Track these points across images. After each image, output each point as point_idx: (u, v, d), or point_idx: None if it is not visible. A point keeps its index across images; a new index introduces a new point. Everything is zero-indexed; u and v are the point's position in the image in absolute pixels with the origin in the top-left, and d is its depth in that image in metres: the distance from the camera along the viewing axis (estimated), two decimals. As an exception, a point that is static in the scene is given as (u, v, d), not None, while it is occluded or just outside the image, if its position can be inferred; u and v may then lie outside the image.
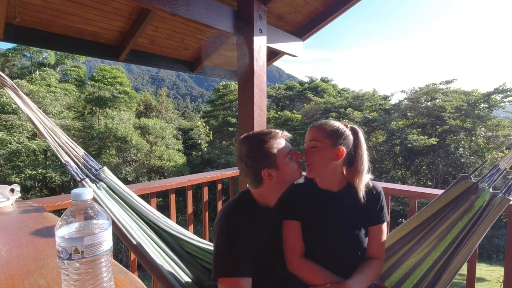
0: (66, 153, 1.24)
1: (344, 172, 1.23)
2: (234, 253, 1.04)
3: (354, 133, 1.21)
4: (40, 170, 13.18)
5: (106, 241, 0.56)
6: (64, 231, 0.54)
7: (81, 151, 1.31)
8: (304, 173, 1.24)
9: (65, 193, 11.12)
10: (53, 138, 1.22)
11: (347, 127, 1.22)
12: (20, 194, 1.29)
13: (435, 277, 1.24)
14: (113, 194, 1.32)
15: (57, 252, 0.53)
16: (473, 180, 1.29)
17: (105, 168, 1.36)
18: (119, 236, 1.24)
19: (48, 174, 13.39)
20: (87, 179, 1.25)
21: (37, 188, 14.13)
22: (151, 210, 1.42)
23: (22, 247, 0.81)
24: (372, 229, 1.22)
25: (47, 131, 1.21)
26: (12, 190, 1.25)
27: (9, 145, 13.20)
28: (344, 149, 1.16)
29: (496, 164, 1.30)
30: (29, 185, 13.55)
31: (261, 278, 1.10)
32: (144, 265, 1.24)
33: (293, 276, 1.18)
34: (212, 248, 1.42)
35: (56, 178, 13.65)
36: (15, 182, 11.42)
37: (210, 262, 1.41)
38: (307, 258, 1.17)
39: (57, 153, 1.21)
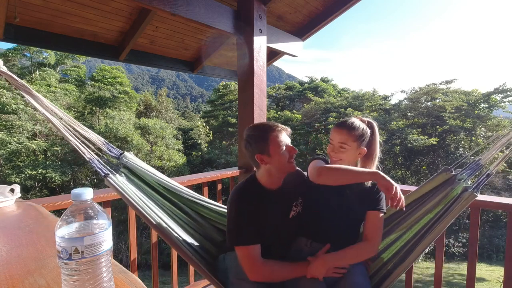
0: (88, 147, 1.23)
1: (359, 162, 1.42)
2: (242, 226, 1.26)
3: (371, 127, 1.38)
4: (40, 170, 13.18)
5: (106, 241, 0.56)
6: (64, 231, 0.54)
7: (100, 140, 1.31)
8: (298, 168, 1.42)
9: (65, 193, 11.13)
10: (74, 135, 1.20)
11: (365, 123, 1.38)
12: (20, 194, 1.29)
13: (405, 253, 1.42)
14: (135, 177, 1.37)
15: (57, 252, 0.53)
16: (453, 173, 1.41)
17: (125, 153, 1.36)
18: (144, 220, 1.29)
19: (48, 174, 13.39)
20: (110, 175, 1.24)
21: (37, 188, 14.12)
22: (170, 181, 1.49)
23: (22, 247, 0.81)
24: (369, 213, 1.35)
25: (68, 129, 1.19)
26: (12, 190, 1.25)
27: (9, 145, 13.20)
28: (366, 148, 1.36)
29: (479, 159, 1.40)
30: (29, 185, 13.55)
31: (262, 251, 1.27)
32: (164, 239, 1.32)
33: (289, 256, 1.39)
34: (222, 210, 1.62)
35: (56, 178, 13.65)
36: (15, 182, 11.42)
37: (221, 223, 1.60)
38: (311, 238, 1.39)
39: (79, 150, 1.19)
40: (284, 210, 1.38)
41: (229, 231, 1.32)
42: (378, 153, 1.39)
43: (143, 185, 1.39)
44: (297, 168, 1.41)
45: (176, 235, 1.37)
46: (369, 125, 1.39)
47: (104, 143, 1.33)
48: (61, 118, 1.20)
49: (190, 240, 1.44)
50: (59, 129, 1.18)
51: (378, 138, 1.40)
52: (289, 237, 1.43)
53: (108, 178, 1.24)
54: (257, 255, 1.25)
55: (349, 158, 1.35)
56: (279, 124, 1.32)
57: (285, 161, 1.29)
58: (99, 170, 1.23)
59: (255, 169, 1.38)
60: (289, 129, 1.35)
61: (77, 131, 1.23)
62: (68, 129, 1.20)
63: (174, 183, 1.52)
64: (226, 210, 1.56)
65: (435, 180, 1.45)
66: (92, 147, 1.26)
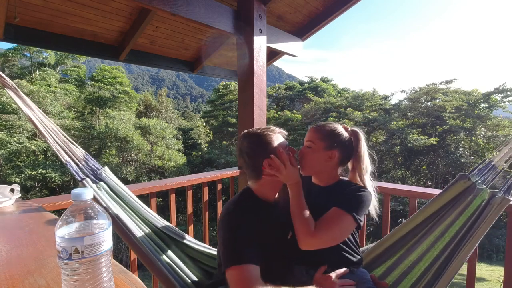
0: (66, 153, 1.23)
1: (339, 171, 1.28)
2: (238, 241, 1.06)
3: (355, 136, 1.24)
4: (40, 170, 13.18)
5: (106, 241, 0.56)
6: (64, 231, 0.54)
7: (81, 151, 1.30)
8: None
9: (65, 193, 11.12)
10: (53, 138, 1.21)
11: (347, 130, 1.25)
12: (20, 194, 1.29)
13: (434, 276, 1.21)
14: (113, 194, 1.32)
15: (57, 252, 0.53)
16: (472, 180, 1.27)
17: (106, 168, 1.35)
18: (120, 235, 1.23)
19: (48, 174, 13.39)
20: (87, 179, 1.24)
21: (37, 188, 14.12)
22: (150, 212, 1.41)
23: (22, 247, 0.81)
24: (332, 208, 1.14)
25: (47, 131, 1.20)
26: (12, 190, 1.25)
27: (9, 145, 13.20)
28: (338, 152, 1.21)
29: (491, 161, 1.29)
30: (29, 185, 13.54)
31: (262, 271, 1.08)
32: (144, 264, 1.24)
33: (294, 270, 1.21)
34: (212, 252, 1.45)
35: (56, 178, 13.64)
36: (15, 182, 11.42)
37: (210, 266, 1.43)
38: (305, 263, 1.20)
39: (57, 153, 1.20)
40: (285, 226, 1.21)
41: (222, 252, 1.08)
42: (367, 166, 1.22)
43: (122, 204, 1.33)
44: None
45: (156, 260, 1.26)
46: (353, 133, 1.25)
47: (85, 154, 1.32)
48: (45, 123, 1.21)
49: (171, 271, 1.30)
50: (41, 132, 1.19)
51: (365, 148, 1.23)
52: (291, 256, 1.23)
53: (84, 182, 1.22)
54: (255, 276, 1.01)
55: (313, 161, 1.21)
56: (273, 127, 1.21)
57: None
58: (75, 173, 1.22)
59: (249, 182, 1.23)
60: (284, 131, 1.24)
61: (58, 137, 1.24)
62: (50, 133, 1.21)
63: (154, 214, 1.41)
64: (212, 252, 1.44)
65: (452, 190, 1.29)
66: (71, 154, 1.26)
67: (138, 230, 1.32)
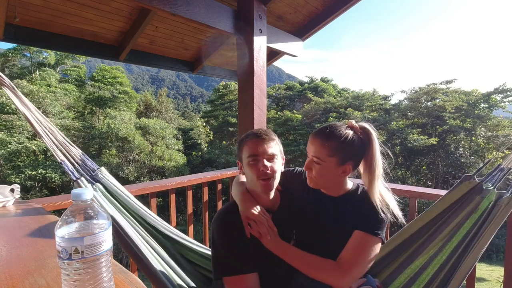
0: (62, 152, 1.22)
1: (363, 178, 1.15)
2: (231, 252, 1.05)
3: (367, 135, 1.08)
4: (40, 170, 13.18)
5: (106, 241, 0.56)
6: (64, 231, 0.54)
7: (78, 152, 1.29)
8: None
9: (65, 193, 11.12)
10: (50, 137, 1.20)
11: (356, 129, 1.08)
12: (20, 194, 1.29)
13: (443, 280, 1.17)
14: (110, 195, 1.30)
15: (57, 252, 0.53)
16: (477, 180, 1.23)
17: (102, 168, 1.33)
18: (116, 238, 1.21)
19: (48, 174, 13.39)
20: (82, 178, 1.22)
21: (37, 188, 14.13)
22: (149, 212, 1.38)
23: (22, 247, 0.81)
24: (354, 232, 1.05)
25: (44, 130, 1.19)
26: (12, 190, 1.25)
27: (9, 146, 13.21)
28: (352, 164, 1.07)
29: (499, 164, 1.26)
30: (29, 185, 13.55)
31: (261, 277, 1.08)
32: (140, 268, 1.22)
33: (294, 275, 1.14)
34: (206, 252, 1.42)
35: (56, 178, 13.65)
36: (15, 182, 11.42)
37: (209, 270, 1.38)
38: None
39: (53, 152, 1.19)
40: (283, 234, 1.11)
41: (214, 261, 1.09)
42: (379, 168, 1.06)
43: (118, 206, 1.30)
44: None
45: (154, 268, 1.22)
46: (363, 132, 1.08)
47: (82, 154, 1.30)
48: (42, 122, 1.20)
49: (169, 278, 1.26)
50: (37, 131, 1.18)
51: (377, 148, 1.07)
52: (290, 268, 1.11)
53: (79, 181, 1.20)
54: (252, 285, 1.01)
55: (325, 177, 1.07)
56: (266, 133, 1.11)
57: (254, 177, 1.07)
58: (70, 173, 1.20)
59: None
60: (273, 140, 1.12)
61: (56, 137, 1.23)
62: (47, 132, 1.20)
63: (153, 215, 1.38)
64: (210, 253, 1.35)
65: (457, 191, 1.25)
66: (67, 154, 1.24)
67: (134, 232, 1.27)
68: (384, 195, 1.08)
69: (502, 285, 1.63)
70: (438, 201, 1.30)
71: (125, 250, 1.22)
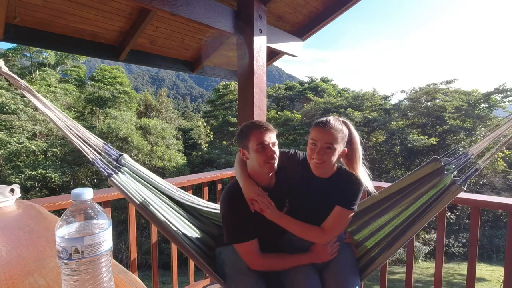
0: (91, 147, 1.25)
1: (343, 164, 1.43)
2: (238, 224, 1.35)
3: (347, 126, 1.36)
4: (40, 171, 13.18)
5: (106, 241, 0.56)
6: (64, 231, 0.54)
7: (100, 142, 1.32)
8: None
9: (65, 193, 11.13)
10: (76, 134, 1.22)
11: (341, 122, 1.35)
12: (20, 194, 1.29)
13: (392, 239, 1.45)
14: (136, 176, 1.40)
15: (57, 252, 0.53)
16: (442, 163, 1.40)
17: (124, 155, 1.39)
18: (145, 215, 1.30)
19: (48, 174, 13.39)
20: (114, 174, 1.27)
21: (37, 188, 14.12)
22: (168, 186, 1.52)
23: (22, 247, 0.81)
24: (335, 207, 1.35)
25: (69, 128, 1.21)
26: (12, 190, 1.25)
27: (9, 146, 13.21)
28: (347, 148, 1.35)
29: (466, 150, 1.40)
30: (29, 185, 13.55)
31: (260, 239, 1.36)
32: (166, 235, 1.35)
33: (284, 238, 1.45)
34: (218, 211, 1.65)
35: (56, 178, 13.65)
36: (15, 182, 11.43)
37: (219, 220, 1.64)
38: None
39: (82, 151, 1.21)
40: (279, 204, 1.41)
41: (225, 229, 1.39)
42: (361, 152, 1.37)
43: (144, 184, 1.43)
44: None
45: (176, 229, 1.42)
46: (345, 125, 1.36)
47: (104, 144, 1.34)
48: (63, 119, 1.21)
49: (189, 234, 1.49)
50: (62, 130, 1.19)
51: (358, 136, 1.39)
52: (282, 229, 1.42)
53: (111, 178, 1.25)
54: (255, 249, 1.34)
55: (333, 160, 1.32)
56: (268, 125, 1.35)
57: (261, 160, 1.32)
58: (102, 169, 1.25)
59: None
60: (274, 130, 1.37)
61: (78, 131, 1.24)
62: (70, 130, 1.22)
63: (171, 186, 1.55)
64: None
65: (423, 170, 1.44)
66: (94, 147, 1.27)
67: (164, 205, 1.45)
68: (363, 173, 1.38)
69: (502, 285, 1.63)
70: (406, 175, 1.51)
71: (153, 223, 1.34)
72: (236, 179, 1.45)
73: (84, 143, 1.23)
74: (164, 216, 1.39)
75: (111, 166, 1.29)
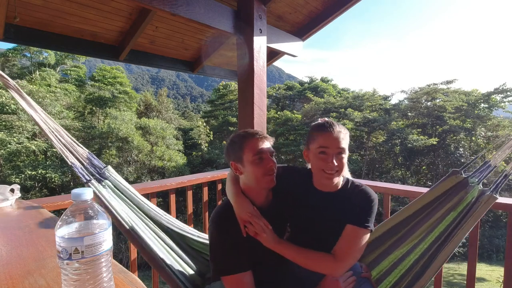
0: (72, 153, 1.23)
1: None
2: (228, 253, 1.12)
3: None
4: (40, 171, 13.18)
5: (106, 241, 0.56)
6: (64, 231, 0.54)
7: (85, 151, 1.30)
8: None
9: (65, 193, 11.12)
10: (58, 138, 1.20)
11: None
12: (20, 194, 1.29)
13: (421, 268, 1.25)
14: (118, 192, 1.32)
15: (57, 252, 0.53)
16: (464, 175, 1.28)
17: (109, 167, 1.35)
18: (124, 233, 1.23)
19: (48, 174, 13.39)
20: (93, 181, 1.23)
21: (37, 188, 14.12)
22: (154, 208, 1.42)
23: (22, 247, 0.81)
24: (346, 227, 1.13)
25: (52, 132, 1.19)
26: (12, 190, 1.25)
27: (9, 146, 13.20)
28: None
29: (487, 161, 1.29)
30: (29, 185, 13.55)
31: (255, 270, 1.14)
32: (149, 262, 1.24)
33: (285, 265, 1.21)
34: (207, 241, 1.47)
35: (56, 178, 13.65)
36: (15, 182, 11.42)
37: (207, 254, 1.46)
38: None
39: (62, 154, 1.19)
40: (277, 228, 1.18)
41: (213, 261, 1.17)
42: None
43: (128, 203, 1.33)
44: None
45: (160, 257, 1.27)
46: None
47: (89, 153, 1.30)
48: (47, 123, 1.20)
49: (176, 267, 1.32)
50: (44, 132, 1.18)
51: None
52: (282, 258, 1.17)
53: (90, 184, 1.20)
54: (249, 284, 1.09)
55: (344, 167, 1.15)
56: (263, 133, 1.18)
57: (259, 174, 1.12)
58: (81, 175, 1.21)
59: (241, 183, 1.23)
60: (270, 138, 1.20)
61: (62, 137, 1.23)
62: (54, 133, 1.20)
63: (159, 210, 1.44)
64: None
65: (443, 185, 1.30)
66: (76, 154, 1.24)
67: (143, 226, 1.32)
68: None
69: (502, 285, 1.63)
70: (425, 193, 1.34)
71: (132, 243, 1.24)
72: (225, 201, 1.24)
73: (66, 148, 1.20)
74: (148, 244, 1.24)
75: (90, 175, 1.24)
